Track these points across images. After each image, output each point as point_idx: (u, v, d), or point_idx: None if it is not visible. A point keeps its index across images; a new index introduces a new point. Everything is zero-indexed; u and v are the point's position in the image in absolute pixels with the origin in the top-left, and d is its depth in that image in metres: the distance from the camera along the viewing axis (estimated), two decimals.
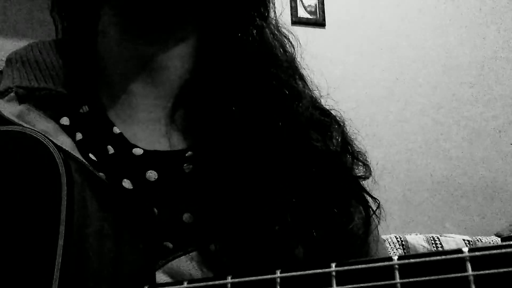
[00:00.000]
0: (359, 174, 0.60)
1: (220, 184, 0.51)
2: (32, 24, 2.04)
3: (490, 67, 2.68)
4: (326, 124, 0.60)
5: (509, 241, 1.96)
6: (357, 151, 0.61)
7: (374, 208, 0.59)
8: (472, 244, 2.02)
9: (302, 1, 2.50)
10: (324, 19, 2.51)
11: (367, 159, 0.61)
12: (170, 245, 0.49)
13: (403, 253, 1.96)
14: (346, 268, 0.22)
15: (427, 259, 0.20)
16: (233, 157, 0.53)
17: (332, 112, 0.63)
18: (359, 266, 0.22)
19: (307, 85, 0.63)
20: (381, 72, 2.53)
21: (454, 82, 2.62)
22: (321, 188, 0.54)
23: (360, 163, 0.60)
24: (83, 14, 0.62)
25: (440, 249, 1.95)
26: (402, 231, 2.12)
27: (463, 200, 2.50)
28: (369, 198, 0.59)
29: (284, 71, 0.60)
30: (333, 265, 0.22)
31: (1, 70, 0.59)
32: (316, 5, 2.51)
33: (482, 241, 2.07)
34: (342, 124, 0.62)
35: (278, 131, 0.55)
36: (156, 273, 0.47)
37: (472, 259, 0.20)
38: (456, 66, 2.64)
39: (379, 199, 0.60)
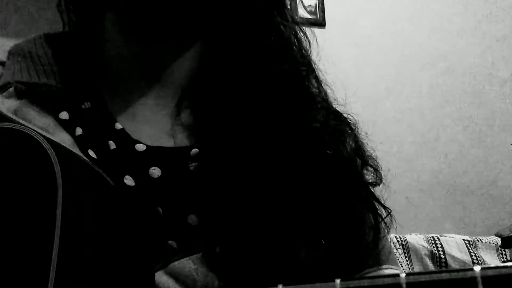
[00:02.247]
0: (370, 180, 0.59)
1: (226, 184, 0.50)
2: (33, 24, 2.03)
3: (491, 67, 2.68)
4: (340, 129, 0.59)
5: (509, 241, 1.95)
6: (368, 156, 0.60)
7: (385, 217, 0.58)
8: (472, 244, 2.02)
9: (302, 1, 2.49)
10: (324, 19, 2.50)
11: (378, 164, 0.60)
12: (175, 244, 0.48)
13: (403, 253, 1.95)
14: (350, 284, 0.21)
15: (436, 277, 0.20)
16: (240, 157, 0.52)
17: (345, 115, 0.61)
18: (364, 283, 0.21)
19: (322, 86, 0.61)
20: (381, 72, 2.52)
21: (454, 82, 2.61)
22: (331, 194, 0.53)
23: (371, 169, 0.59)
24: (90, 12, 0.61)
25: (440, 249, 1.95)
26: (402, 231, 2.11)
27: (463, 200, 2.50)
28: (380, 206, 0.58)
29: (299, 70, 0.59)
30: (338, 281, 0.22)
31: (3, 62, 0.58)
32: (316, 5, 2.51)
33: (482, 241, 2.07)
34: (354, 128, 0.60)
35: (288, 130, 0.54)
36: (159, 273, 0.46)
37: (484, 280, 0.19)
38: (456, 66, 2.63)
39: (379, 198, 0.59)
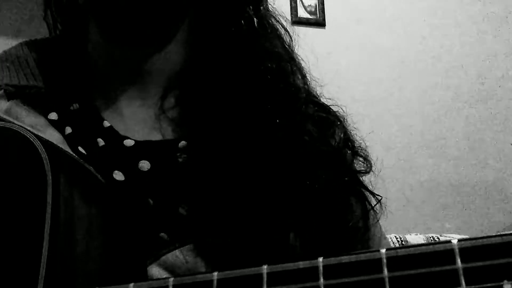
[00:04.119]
0: (360, 169, 0.59)
1: (215, 174, 0.51)
2: (32, 23, 2.04)
3: (491, 67, 2.68)
4: (328, 121, 0.60)
5: None
6: (358, 146, 0.60)
7: (375, 204, 0.59)
8: None
9: (302, 1, 2.50)
10: (324, 19, 2.51)
11: (368, 154, 0.60)
12: (166, 236, 0.49)
13: None
14: (332, 261, 0.21)
15: (416, 250, 0.20)
16: (228, 147, 0.53)
17: (333, 107, 0.62)
18: (345, 260, 0.21)
19: (305, 76, 0.62)
20: (381, 72, 2.52)
21: (454, 82, 2.61)
22: (319, 182, 0.53)
23: (361, 158, 0.60)
24: (74, 17, 0.62)
25: None
26: (402, 231, 2.11)
27: (463, 200, 2.49)
28: (369, 194, 0.58)
29: (283, 63, 0.60)
30: (320, 258, 0.22)
31: None
32: (316, 5, 2.51)
33: None
34: (343, 119, 0.61)
35: (274, 121, 0.55)
36: (151, 266, 0.46)
37: (462, 251, 0.19)
38: (456, 66, 2.63)
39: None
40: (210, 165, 0.52)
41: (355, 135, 0.61)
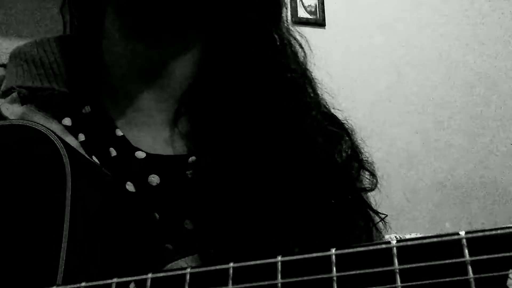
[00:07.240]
0: (365, 186, 0.59)
1: (222, 190, 0.51)
2: (35, 22, 2.04)
3: (490, 67, 2.68)
4: (336, 136, 0.59)
5: None
6: (365, 161, 0.60)
7: (377, 222, 0.58)
8: None
9: (302, 1, 2.51)
10: (324, 19, 2.52)
11: (374, 168, 0.60)
12: (171, 247, 0.50)
13: None
14: (345, 251, 0.22)
15: (425, 242, 0.21)
16: (236, 164, 0.53)
17: (342, 121, 0.62)
18: (358, 250, 0.22)
19: (317, 93, 0.62)
20: (381, 72, 2.53)
21: (454, 82, 2.62)
22: (324, 199, 0.54)
23: (367, 173, 0.60)
24: (92, 12, 0.61)
25: None
26: (402, 231, 2.12)
27: (463, 200, 2.50)
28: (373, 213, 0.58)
29: (294, 80, 0.60)
30: (333, 250, 0.23)
31: (5, 64, 0.59)
32: (316, 5, 2.52)
33: None
34: (351, 133, 0.61)
35: (283, 137, 0.55)
36: None
37: (470, 242, 0.20)
38: (456, 66, 2.64)
39: (379, 198, 0.60)
40: (217, 180, 0.52)
41: (362, 148, 0.60)
